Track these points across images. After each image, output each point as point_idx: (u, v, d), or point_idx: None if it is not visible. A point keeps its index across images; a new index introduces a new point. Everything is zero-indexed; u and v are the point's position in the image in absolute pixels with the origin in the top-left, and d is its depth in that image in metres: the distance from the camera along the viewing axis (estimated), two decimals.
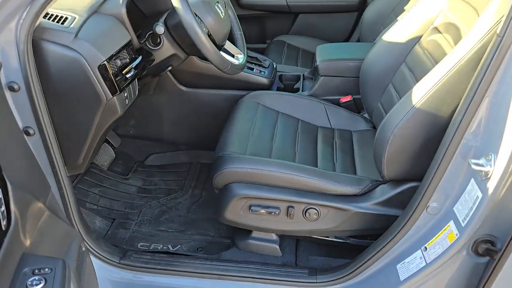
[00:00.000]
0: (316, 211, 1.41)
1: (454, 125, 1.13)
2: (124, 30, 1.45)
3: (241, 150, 1.54)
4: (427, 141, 1.24)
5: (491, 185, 1.06)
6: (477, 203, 1.10)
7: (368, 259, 1.35)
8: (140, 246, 1.68)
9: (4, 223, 0.80)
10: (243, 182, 1.44)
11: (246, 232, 1.60)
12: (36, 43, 1.19)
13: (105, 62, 1.30)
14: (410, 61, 1.59)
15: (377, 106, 1.70)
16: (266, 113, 1.78)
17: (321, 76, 1.98)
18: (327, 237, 1.59)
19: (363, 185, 1.43)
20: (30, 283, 0.81)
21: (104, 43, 1.33)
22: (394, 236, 1.29)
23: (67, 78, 1.26)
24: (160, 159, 2.19)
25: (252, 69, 2.02)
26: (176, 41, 1.58)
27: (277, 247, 1.59)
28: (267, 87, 2.02)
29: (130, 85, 1.47)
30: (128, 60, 1.43)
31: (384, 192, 1.38)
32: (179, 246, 1.67)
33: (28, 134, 1.19)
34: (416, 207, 1.24)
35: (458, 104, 1.15)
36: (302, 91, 2.05)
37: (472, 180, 1.13)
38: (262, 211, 1.43)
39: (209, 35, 1.55)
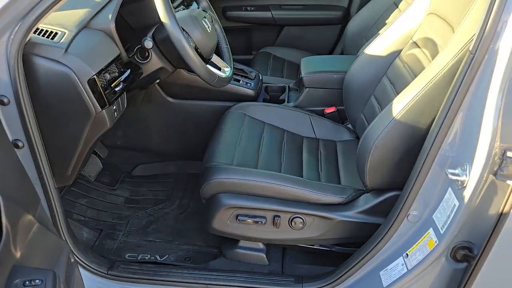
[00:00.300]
0: (302, 220, 1.44)
1: (431, 136, 1.17)
2: (113, 45, 1.47)
3: (228, 160, 1.56)
4: (407, 152, 1.29)
5: (467, 194, 1.10)
6: (454, 211, 1.14)
7: (352, 267, 1.38)
8: (128, 256, 1.68)
9: None
10: (230, 192, 1.46)
11: (233, 241, 1.62)
12: (26, 57, 1.21)
13: (95, 76, 1.32)
14: (391, 74, 1.65)
15: (360, 117, 1.74)
16: (252, 124, 1.81)
17: (306, 87, 2.02)
18: (313, 245, 1.63)
19: (347, 194, 1.46)
20: None
21: (94, 58, 1.35)
22: (377, 244, 1.33)
23: (57, 92, 1.28)
24: (147, 169, 2.20)
25: (239, 80, 2.05)
26: (164, 55, 1.61)
27: (264, 255, 1.61)
28: (253, 99, 2.05)
29: (119, 98, 1.49)
30: (117, 73, 1.45)
31: (367, 201, 1.43)
32: (167, 256, 1.68)
33: (17, 146, 1.20)
34: (397, 215, 1.27)
35: (435, 117, 1.19)
36: (288, 102, 2.09)
37: (450, 189, 1.17)
38: (249, 220, 1.46)
39: (196, 49, 1.57)
